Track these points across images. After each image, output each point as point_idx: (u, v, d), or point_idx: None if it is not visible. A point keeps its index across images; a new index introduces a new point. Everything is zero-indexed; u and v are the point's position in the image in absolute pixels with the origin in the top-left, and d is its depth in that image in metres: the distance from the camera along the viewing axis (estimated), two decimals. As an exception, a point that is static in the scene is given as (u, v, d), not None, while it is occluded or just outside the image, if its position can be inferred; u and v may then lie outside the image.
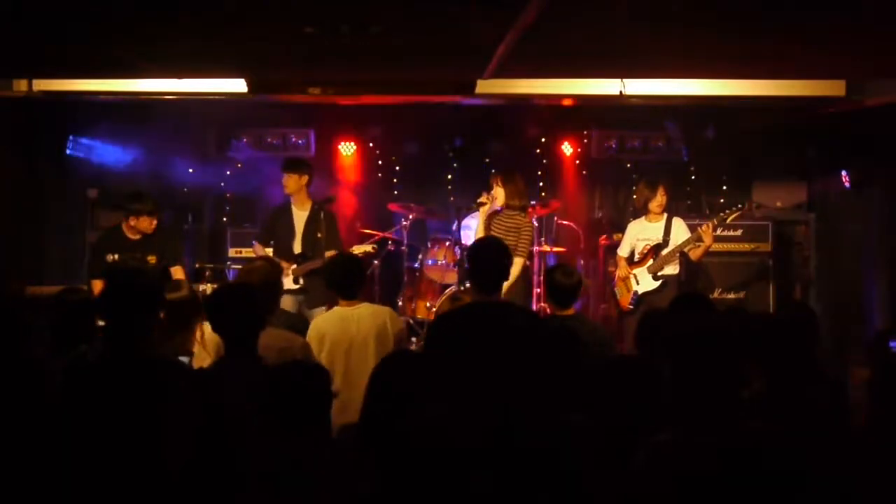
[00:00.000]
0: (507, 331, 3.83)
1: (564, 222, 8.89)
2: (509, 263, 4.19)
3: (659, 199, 7.07)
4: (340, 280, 5.09)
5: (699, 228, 6.90)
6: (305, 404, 3.03)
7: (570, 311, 5.08)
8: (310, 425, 3.03)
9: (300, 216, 7.12)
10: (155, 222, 6.80)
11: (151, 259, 6.86)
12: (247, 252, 8.25)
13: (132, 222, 6.79)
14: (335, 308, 5.12)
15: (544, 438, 2.72)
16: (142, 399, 3.11)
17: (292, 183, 7.07)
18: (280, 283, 5.20)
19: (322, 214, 7.01)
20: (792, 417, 2.91)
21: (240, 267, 7.72)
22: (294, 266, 6.95)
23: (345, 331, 4.87)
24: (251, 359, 3.61)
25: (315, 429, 3.04)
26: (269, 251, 7.18)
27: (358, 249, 6.89)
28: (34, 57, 5.92)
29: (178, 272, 6.97)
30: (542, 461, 2.67)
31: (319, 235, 6.95)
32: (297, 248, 7.05)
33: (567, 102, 7.74)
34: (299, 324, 5.17)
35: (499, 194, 6.62)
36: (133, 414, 3.07)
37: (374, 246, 7.00)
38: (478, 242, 4.82)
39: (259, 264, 5.03)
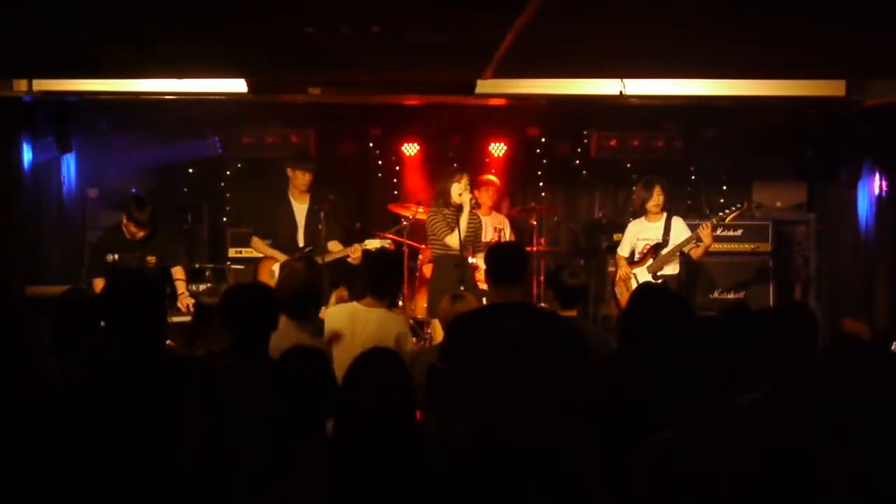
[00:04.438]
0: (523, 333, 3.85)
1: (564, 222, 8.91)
2: (527, 264, 4.40)
3: (655, 200, 7.08)
4: (376, 278, 5.04)
5: (699, 228, 6.91)
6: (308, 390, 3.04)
7: (573, 313, 5.09)
8: (313, 423, 3.03)
9: (300, 209, 7.14)
10: (143, 234, 6.78)
11: (151, 259, 6.87)
12: (247, 252, 8.24)
13: (124, 220, 6.82)
14: (353, 303, 5.07)
15: (545, 439, 2.72)
16: (149, 398, 3.11)
17: (308, 179, 7.10)
18: (321, 285, 5.10)
19: (322, 210, 7.03)
20: (796, 418, 2.91)
21: (240, 267, 7.80)
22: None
23: (350, 327, 4.84)
24: (260, 360, 3.59)
25: (318, 429, 3.04)
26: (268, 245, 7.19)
27: (370, 245, 6.89)
28: (34, 57, 5.92)
29: (178, 272, 6.98)
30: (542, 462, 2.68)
31: (320, 227, 6.98)
32: (301, 240, 7.07)
33: (565, 103, 7.75)
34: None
35: (470, 195, 6.76)
36: (140, 413, 3.07)
37: (388, 241, 7.06)
38: (495, 244, 4.91)
39: (297, 266, 4.96)
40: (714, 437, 2.58)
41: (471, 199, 6.77)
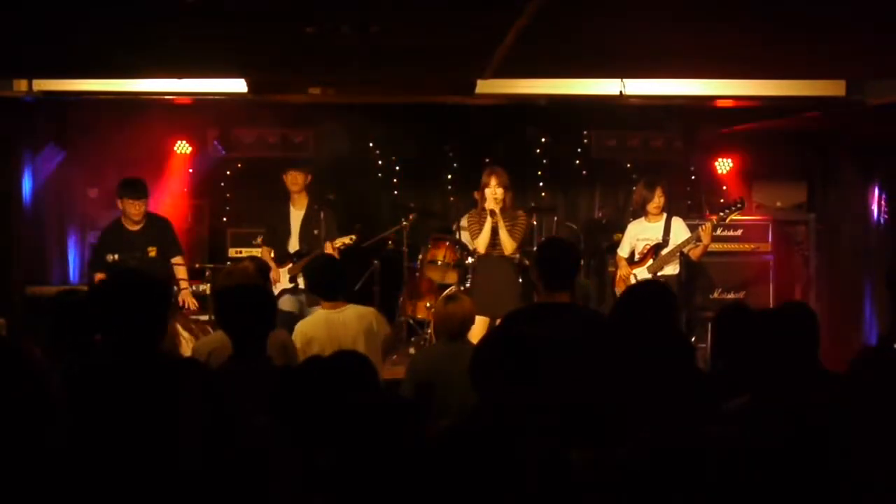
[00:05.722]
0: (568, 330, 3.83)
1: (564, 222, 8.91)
2: (578, 263, 4.30)
3: (657, 201, 7.07)
4: (319, 281, 5.07)
5: (699, 228, 6.91)
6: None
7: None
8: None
9: (296, 215, 7.18)
10: (143, 207, 6.85)
11: (152, 251, 6.91)
12: (247, 252, 8.25)
13: (119, 205, 6.87)
14: (318, 311, 5.08)
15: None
16: (148, 400, 3.10)
17: (301, 180, 7.14)
18: (266, 284, 5.18)
19: (321, 213, 7.04)
20: (796, 418, 2.90)
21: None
22: (290, 265, 6.98)
23: (333, 335, 4.84)
24: (260, 359, 3.59)
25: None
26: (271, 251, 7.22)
27: (337, 243, 6.90)
28: (34, 57, 5.92)
29: (179, 262, 7.05)
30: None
31: (316, 233, 6.99)
32: (294, 246, 7.10)
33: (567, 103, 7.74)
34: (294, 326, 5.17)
35: (499, 192, 6.64)
36: (139, 414, 3.06)
37: (352, 237, 6.99)
38: (546, 243, 4.86)
39: (242, 265, 5.01)
40: (693, 441, 2.57)
41: (497, 201, 6.65)
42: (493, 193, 6.60)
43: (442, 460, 2.63)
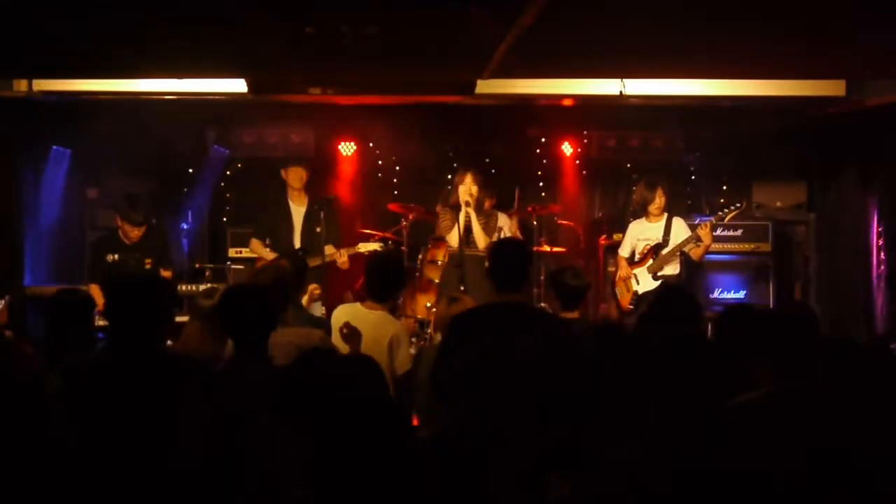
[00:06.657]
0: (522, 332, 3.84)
1: (564, 222, 8.90)
2: (530, 265, 4.31)
3: (658, 202, 7.06)
4: (378, 280, 5.04)
5: (698, 228, 6.91)
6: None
7: (575, 314, 5.10)
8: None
9: (298, 211, 7.16)
10: (140, 232, 6.81)
11: (148, 262, 6.88)
12: (246, 252, 8.24)
13: (117, 221, 6.84)
14: (356, 304, 5.08)
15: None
16: (149, 399, 3.10)
17: (304, 175, 7.13)
18: (291, 282, 5.15)
19: (322, 211, 7.03)
20: (797, 418, 2.90)
21: (240, 267, 7.80)
22: None
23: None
24: (261, 360, 3.58)
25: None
26: (266, 247, 7.20)
27: (364, 248, 6.93)
28: (34, 57, 5.92)
29: (167, 274, 7.01)
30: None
31: (318, 230, 6.98)
32: (297, 243, 7.08)
33: (567, 102, 7.75)
34: (319, 320, 5.16)
35: (474, 189, 6.75)
36: (140, 414, 3.06)
37: (381, 244, 7.07)
38: (499, 243, 4.92)
39: (281, 263, 4.99)
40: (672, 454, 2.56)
41: (471, 196, 6.78)
42: (468, 189, 6.77)
43: (427, 467, 2.63)
